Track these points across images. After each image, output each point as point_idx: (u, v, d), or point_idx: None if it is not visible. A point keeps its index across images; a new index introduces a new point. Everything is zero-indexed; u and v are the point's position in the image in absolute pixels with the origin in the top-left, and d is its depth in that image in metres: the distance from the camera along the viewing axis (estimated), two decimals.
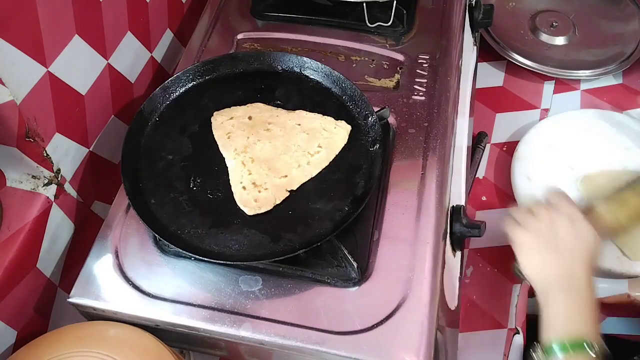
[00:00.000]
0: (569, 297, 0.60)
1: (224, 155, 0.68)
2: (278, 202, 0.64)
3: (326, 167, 0.67)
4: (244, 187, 0.65)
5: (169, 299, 0.61)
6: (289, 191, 0.65)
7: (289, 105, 0.73)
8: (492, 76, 1.08)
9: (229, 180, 0.66)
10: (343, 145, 0.69)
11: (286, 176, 0.66)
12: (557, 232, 0.64)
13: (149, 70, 0.85)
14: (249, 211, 0.63)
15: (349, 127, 0.70)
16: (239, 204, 0.64)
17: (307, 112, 0.72)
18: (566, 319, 0.59)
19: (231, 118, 0.71)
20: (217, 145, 0.69)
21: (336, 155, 0.68)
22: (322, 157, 0.68)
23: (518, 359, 0.78)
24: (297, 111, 0.72)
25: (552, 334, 0.59)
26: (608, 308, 0.83)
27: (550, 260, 0.63)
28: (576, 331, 0.58)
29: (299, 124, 0.70)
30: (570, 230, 0.64)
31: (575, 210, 0.66)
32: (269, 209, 0.64)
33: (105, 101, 0.75)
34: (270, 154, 0.68)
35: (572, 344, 0.56)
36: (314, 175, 0.67)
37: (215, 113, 0.72)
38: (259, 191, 0.64)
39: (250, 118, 0.71)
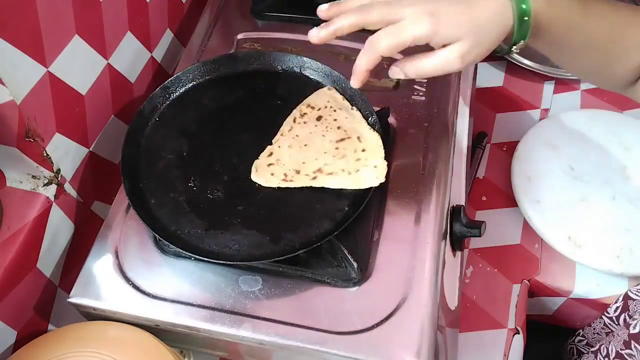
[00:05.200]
0: None
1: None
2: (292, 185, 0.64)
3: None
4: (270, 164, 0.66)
5: (169, 299, 0.61)
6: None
7: (289, 105, 0.73)
8: (492, 76, 1.08)
9: (229, 180, 0.66)
10: (365, 187, 0.63)
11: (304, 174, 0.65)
12: None
13: (149, 70, 0.85)
14: (265, 182, 0.65)
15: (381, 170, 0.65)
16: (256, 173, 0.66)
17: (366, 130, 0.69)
18: None
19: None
20: (219, 144, 0.69)
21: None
22: (341, 180, 0.65)
23: (518, 359, 0.78)
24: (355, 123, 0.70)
25: None
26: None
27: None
28: None
29: (358, 137, 0.68)
30: None
31: None
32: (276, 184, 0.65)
33: (105, 101, 0.75)
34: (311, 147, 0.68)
35: None
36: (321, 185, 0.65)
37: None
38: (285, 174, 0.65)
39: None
